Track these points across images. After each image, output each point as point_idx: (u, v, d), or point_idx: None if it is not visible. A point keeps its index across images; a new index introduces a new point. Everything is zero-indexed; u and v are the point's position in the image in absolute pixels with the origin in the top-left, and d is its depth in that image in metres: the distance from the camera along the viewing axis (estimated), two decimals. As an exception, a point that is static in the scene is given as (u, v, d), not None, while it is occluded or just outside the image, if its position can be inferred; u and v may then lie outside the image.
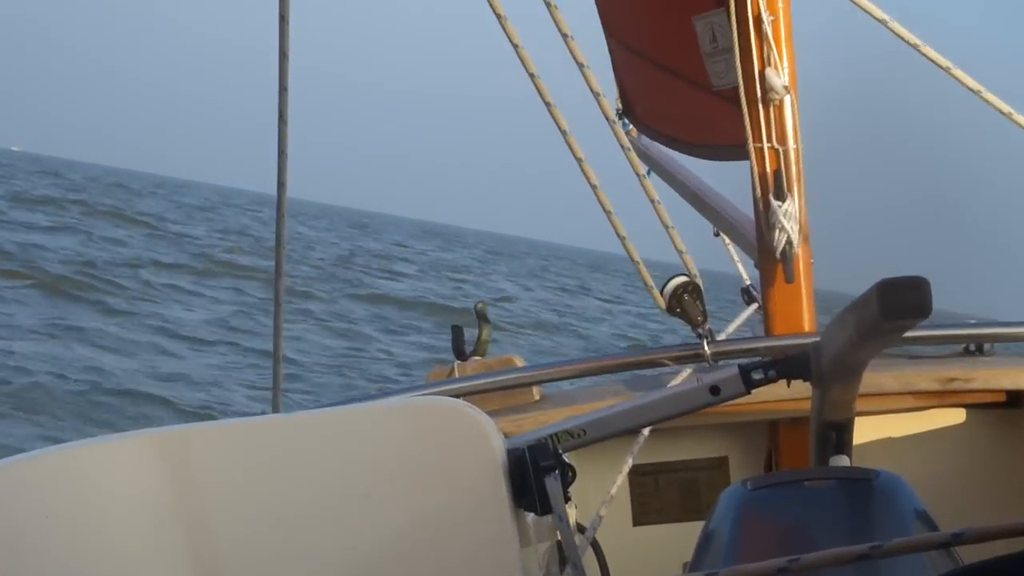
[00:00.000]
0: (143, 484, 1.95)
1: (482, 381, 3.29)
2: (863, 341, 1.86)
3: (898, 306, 1.71)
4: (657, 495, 3.48)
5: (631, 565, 3.21)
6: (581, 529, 2.81)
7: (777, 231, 3.18)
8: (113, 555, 1.89)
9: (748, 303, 4.24)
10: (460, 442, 2.04)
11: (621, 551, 3.16)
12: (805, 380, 2.24)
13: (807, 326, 3.28)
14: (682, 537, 3.37)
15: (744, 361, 2.41)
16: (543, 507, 2.00)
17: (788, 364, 2.24)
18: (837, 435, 2.23)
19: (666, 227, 3.26)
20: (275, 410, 3.01)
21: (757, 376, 2.29)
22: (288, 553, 1.99)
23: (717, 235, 4.36)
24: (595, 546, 2.88)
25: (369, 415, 2.11)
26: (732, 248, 4.41)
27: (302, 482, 2.03)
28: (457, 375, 3.56)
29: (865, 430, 3.08)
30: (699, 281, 3.12)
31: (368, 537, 2.01)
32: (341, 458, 2.05)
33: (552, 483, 2.00)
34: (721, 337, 3.27)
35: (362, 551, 2.00)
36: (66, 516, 1.87)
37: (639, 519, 3.48)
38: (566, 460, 2.07)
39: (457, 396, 3.22)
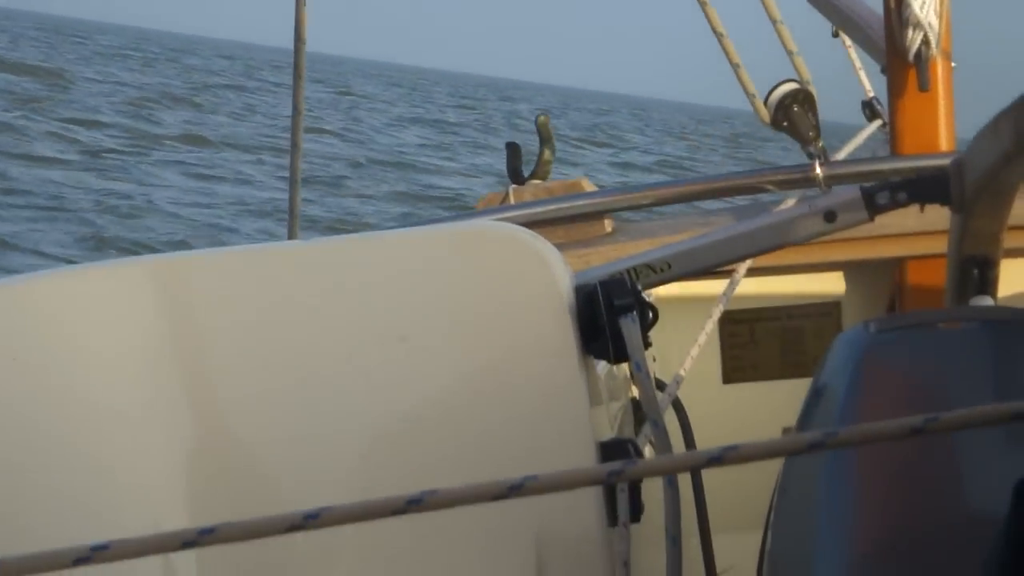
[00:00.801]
0: (139, 314, 1.96)
1: (543, 208, 3.25)
2: (1020, 153, 1.80)
3: None
4: (753, 347, 3.45)
5: (720, 429, 3.19)
6: (661, 386, 2.79)
7: (911, 28, 3.09)
8: (105, 386, 1.91)
9: (871, 119, 4.16)
10: (517, 275, 2.01)
11: (708, 412, 3.15)
12: (943, 204, 2.18)
13: (944, 145, 3.20)
14: (782, 398, 3.34)
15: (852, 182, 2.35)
16: (617, 354, 1.98)
17: (922, 184, 2.18)
18: (980, 272, 2.18)
19: (774, 22, 3.18)
20: (292, 239, 2.99)
21: (883, 199, 2.24)
22: (304, 408, 1.99)
23: (836, 35, 4.26)
24: (677, 406, 2.87)
25: (405, 242, 2.08)
26: (853, 50, 4.30)
27: (325, 321, 2.01)
28: (513, 201, 3.52)
29: (1015, 273, 3.02)
30: (812, 89, 3.04)
31: (404, 389, 2.00)
32: (372, 294, 2.03)
33: (629, 325, 1.97)
34: (838, 158, 3.20)
35: (396, 406, 1.99)
36: (57, 341, 1.89)
37: (730, 375, 3.46)
38: (646, 299, 2.04)
39: None
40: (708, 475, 2.83)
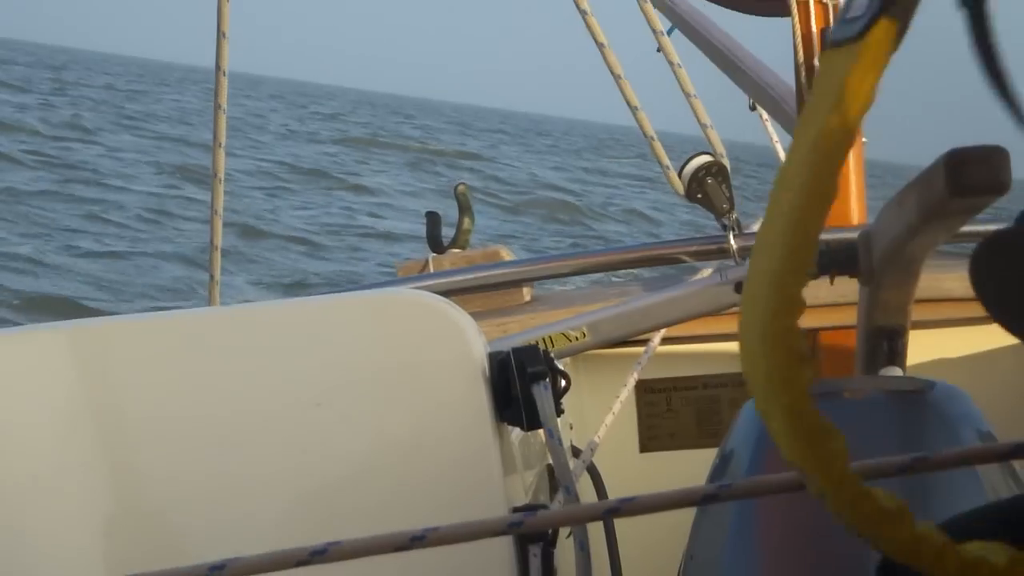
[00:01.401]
0: (55, 380, 1.97)
1: (462, 277, 3.28)
2: (925, 225, 1.85)
3: (969, 181, 1.70)
4: (669, 417, 3.49)
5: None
6: (577, 453, 2.82)
7: (822, 102, 3.16)
8: (19, 453, 1.92)
9: None
10: (432, 342, 2.04)
11: (625, 480, 3.17)
12: (851, 275, 2.23)
13: (856, 219, 3.27)
14: (698, 466, 3.37)
15: None
16: (530, 421, 2.01)
17: (831, 256, 2.23)
18: (889, 344, 2.22)
19: (687, 95, 3.24)
20: (212, 304, 3.01)
21: None
22: (220, 472, 2.00)
23: (753, 108, 4.33)
24: (594, 474, 2.90)
25: (322, 309, 2.10)
26: (770, 124, 4.38)
27: (240, 387, 2.03)
28: (432, 270, 3.55)
29: (922, 343, 3.09)
30: (725, 161, 3.10)
31: (318, 455, 2.02)
32: (289, 360, 2.05)
33: (541, 393, 2.00)
34: (752, 229, 3.26)
35: (310, 472, 2.01)
36: None
37: (647, 444, 3.50)
38: (559, 367, 2.07)
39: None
40: (626, 542, 2.87)
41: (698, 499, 1.04)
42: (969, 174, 1.70)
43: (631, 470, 3.44)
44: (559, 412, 2.03)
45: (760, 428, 1.84)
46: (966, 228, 3.14)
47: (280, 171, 25.30)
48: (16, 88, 39.49)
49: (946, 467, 1.03)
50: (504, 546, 2.00)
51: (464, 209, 3.86)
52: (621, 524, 2.84)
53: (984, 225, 2.88)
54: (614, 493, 2.95)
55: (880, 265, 2.12)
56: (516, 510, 2.00)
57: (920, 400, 1.89)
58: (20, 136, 25.10)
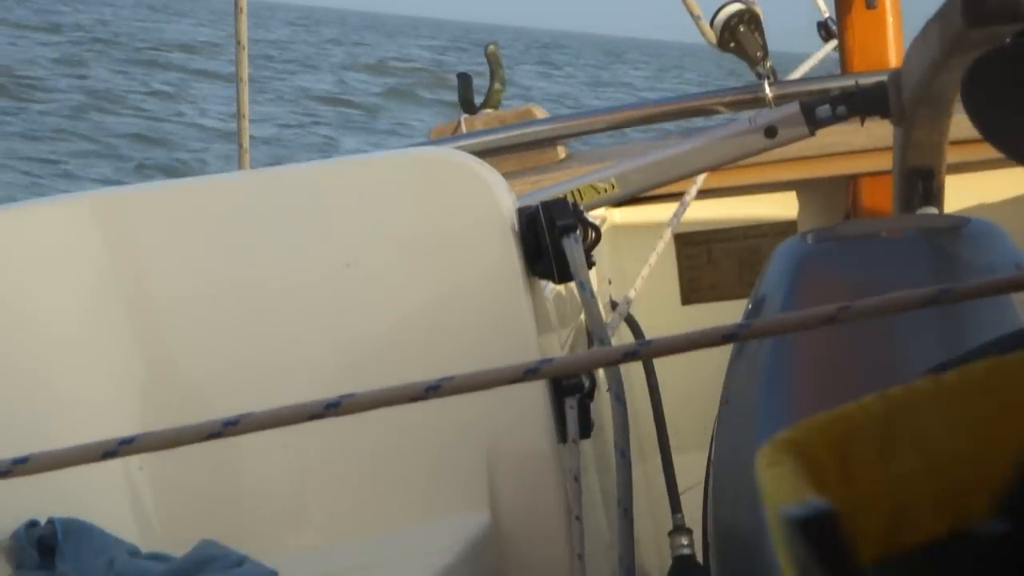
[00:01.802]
0: (83, 248, 1.98)
1: (495, 136, 3.26)
2: (948, 60, 1.82)
3: (985, 10, 1.66)
4: (710, 268, 3.46)
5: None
6: (615, 306, 2.81)
7: (857, -59, 3.10)
8: (51, 318, 1.93)
9: (826, 40, 4.17)
10: (461, 200, 2.03)
11: (668, 334, 3.15)
12: (883, 116, 2.20)
13: (893, 62, 3.22)
14: (740, 317, 3.36)
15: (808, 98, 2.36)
16: (561, 274, 2.00)
17: (862, 98, 2.20)
18: (924, 183, 2.19)
19: None
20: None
21: (823, 114, 2.26)
22: (250, 333, 2.01)
23: None
24: (634, 327, 2.89)
25: (351, 169, 2.09)
26: None
27: (270, 248, 2.03)
28: (465, 131, 3.52)
29: (963, 185, 3.04)
30: (758, 9, 3.05)
31: (349, 314, 2.02)
32: (317, 221, 2.04)
33: (571, 245, 1.99)
34: (788, 77, 3.21)
35: (340, 332, 2.01)
36: (2, 275, 1.90)
37: (689, 296, 3.48)
38: (589, 220, 2.06)
39: None
40: (670, 396, 2.86)
41: (718, 339, 1.02)
42: (984, 2, 1.66)
43: (673, 323, 3.43)
44: (590, 264, 2.02)
45: (792, 271, 1.82)
46: None
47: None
48: None
49: (972, 297, 1.01)
50: (541, 400, 2.00)
51: (495, 69, 3.81)
52: (662, 376, 2.84)
53: None
54: None
55: (910, 104, 2.09)
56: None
57: (955, 236, 1.86)
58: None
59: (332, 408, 0.97)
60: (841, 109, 2.24)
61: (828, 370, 1.66)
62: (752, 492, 1.60)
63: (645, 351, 1.00)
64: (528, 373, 1.00)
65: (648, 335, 2.92)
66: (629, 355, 1.00)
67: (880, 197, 3.18)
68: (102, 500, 1.90)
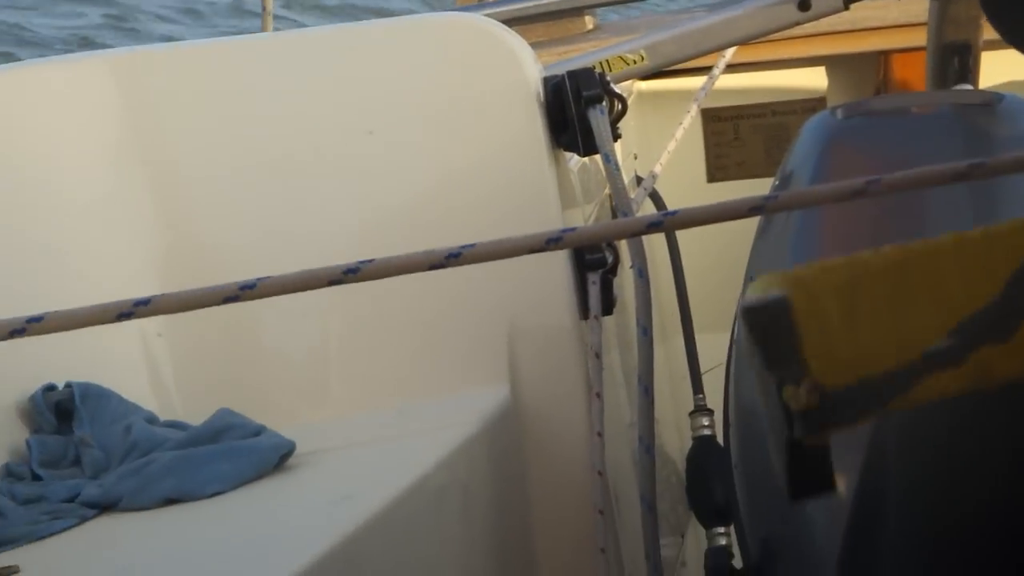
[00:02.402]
0: (102, 107, 1.96)
1: (522, 5, 3.22)
2: None
3: None
4: (737, 144, 3.44)
5: (705, 228, 3.18)
6: (640, 182, 2.79)
7: None
8: (70, 177, 1.93)
9: None
10: (485, 67, 2.01)
11: None
12: None
13: None
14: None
15: None
16: (586, 146, 1.98)
17: None
18: (960, 59, 2.16)
19: None
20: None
21: None
22: (271, 199, 2.00)
23: None
24: (659, 204, 2.87)
25: (371, 33, 2.07)
26: None
27: (292, 113, 2.02)
28: None
29: (999, 63, 3.01)
30: None
31: (371, 180, 2.01)
32: (339, 86, 2.02)
33: (597, 116, 1.96)
34: None
35: (361, 199, 2.00)
36: (20, 132, 1.92)
37: (715, 174, 3.46)
38: (616, 91, 2.03)
39: None
40: (694, 275, 2.85)
41: (744, 211, 1.01)
42: None
43: (699, 200, 3.40)
44: (616, 136, 2.00)
45: (821, 146, 1.80)
46: None
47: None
48: None
49: (1003, 173, 0.99)
50: (564, 275, 1.99)
51: (524, -65, 3.76)
52: (686, 254, 2.82)
53: None
54: None
55: None
56: None
57: (989, 112, 1.83)
58: None
59: (351, 274, 0.96)
60: None
61: (856, 246, 1.64)
62: None
63: (668, 222, 0.99)
64: (551, 242, 0.99)
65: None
66: (653, 226, 0.99)
67: (913, 74, 3.14)
68: (120, 366, 1.91)
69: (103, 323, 0.90)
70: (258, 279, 0.95)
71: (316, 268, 0.97)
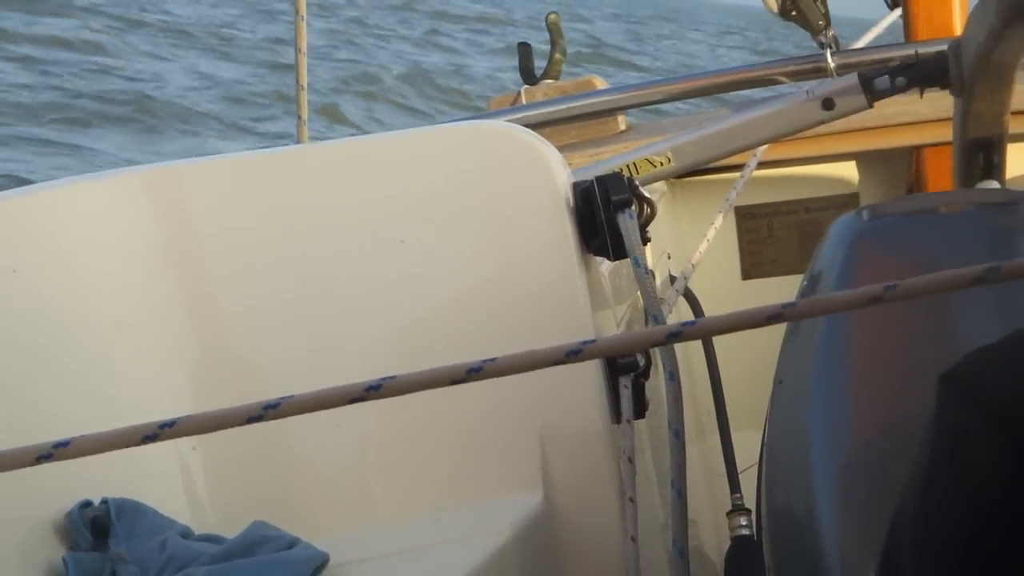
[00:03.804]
0: (136, 225, 1.99)
1: (555, 108, 3.26)
2: (1008, 29, 1.80)
3: None
4: (771, 242, 3.45)
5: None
6: (674, 281, 2.81)
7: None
8: (104, 297, 1.95)
9: (892, 7, 4.15)
10: (514, 175, 2.03)
11: (728, 309, 3.14)
12: (943, 87, 2.18)
13: (960, 31, 3.20)
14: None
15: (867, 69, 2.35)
16: (616, 250, 2.00)
17: (920, 69, 2.19)
18: (985, 156, 2.18)
19: None
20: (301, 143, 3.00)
21: (881, 85, 2.25)
22: (304, 311, 2.02)
23: None
24: (693, 303, 2.89)
25: (405, 143, 2.09)
26: None
27: (323, 224, 2.04)
28: (525, 102, 3.53)
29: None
30: None
31: (402, 290, 2.03)
32: (371, 196, 2.05)
33: (626, 221, 1.98)
34: (856, 46, 3.20)
35: (395, 309, 2.02)
36: (56, 253, 1.93)
37: (749, 271, 3.47)
38: (645, 194, 2.05)
39: (525, 126, 3.19)
40: (730, 374, 2.86)
41: (762, 320, 1.02)
42: None
43: (734, 298, 3.43)
44: (645, 240, 2.02)
45: (848, 246, 1.82)
46: None
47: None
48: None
49: (1020, 276, 1.00)
50: (595, 380, 2.00)
51: (556, 39, 3.81)
52: (722, 353, 2.82)
53: None
54: None
55: (970, 75, 2.07)
56: None
57: (1011, 211, 1.85)
58: None
59: (373, 391, 0.98)
60: (900, 80, 2.24)
61: (883, 347, 1.65)
62: (805, 472, 1.59)
63: (688, 332, 1.01)
64: (570, 355, 1.00)
65: (708, 310, 2.91)
66: (672, 336, 1.00)
67: (944, 168, 3.16)
68: (155, 481, 1.92)
69: (129, 446, 0.92)
70: (281, 399, 0.97)
71: (339, 385, 0.98)
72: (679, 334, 1.02)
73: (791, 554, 1.60)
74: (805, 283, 1.92)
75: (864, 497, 1.53)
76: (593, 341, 1.01)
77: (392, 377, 0.99)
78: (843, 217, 1.93)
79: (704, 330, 1.00)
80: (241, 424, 0.97)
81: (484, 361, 0.99)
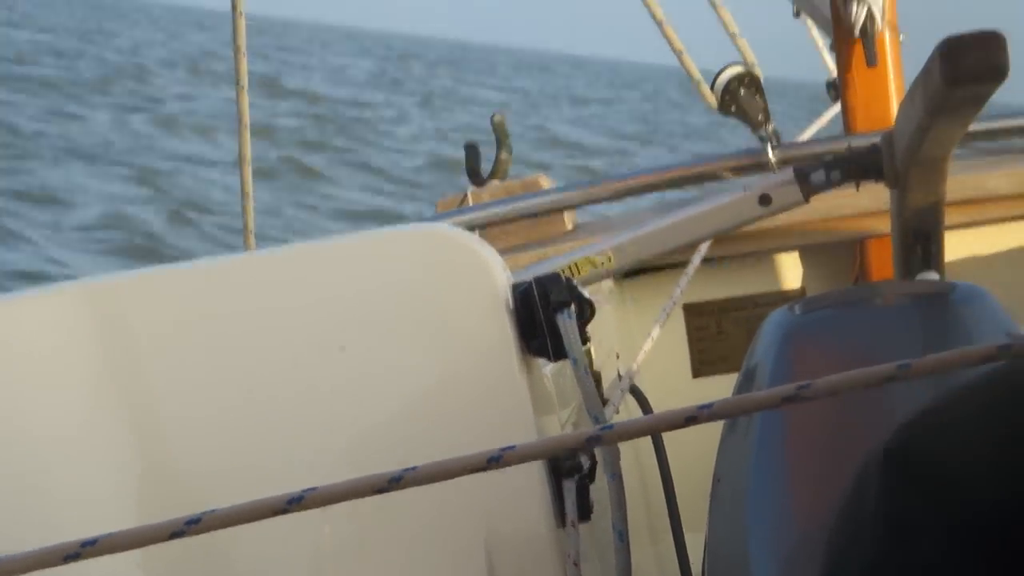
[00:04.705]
0: (75, 339, 2.00)
1: (501, 208, 3.29)
2: (934, 121, 1.84)
3: (963, 70, 1.68)
4: (720, 339, 3.48)
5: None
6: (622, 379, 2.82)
7: (855, 2, 3.14)
8: (44, 414, 1.95)
9: (835, 100, 4.21)
10: (455, 277, 2.06)
11: (678, 407, 3.15)
12: (877, 180, 2.22)
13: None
14: None
15: (802, 165, 2.39)
16: (556, 351, 2.02)
17: (856, 161, 2.23)
18: (923, 246, 2.22)
19: (714, 5, 3.23)
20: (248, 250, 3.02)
21: (817, 179, 2.29)
22: (245, 422, 2.03)
23: (797, 14, 4.31)
24: (642, 401, 2.91)
25: (344, 249, 2.12)
26: (815, 30, 4.35)
27: (264, 333, 2.06)
28: (471, 203, 3.56)
29: (968, 243, 3.06)
30: (758, 71, 3.09)
31: (344, 398, 2.04)
32: (309, 303, 2.07)
33: (565, 321, 2.01)
34: (802, 139, 3.25)
35: (338, 417, 2.03)
36: None
37: (699, 369, 3.50)
38: (584, 294, 2.08)
39: (472, 227, 3.21)
40: (684, 476, 2.87)
41: (680, 422, 1.05)
42: (963, 62, 1.69)
43: (684, 396, 3.44)
44: (584, 340, 2.04)
45: (780, 342, 1.85)
46: (1004, 123, 3.10)
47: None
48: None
49: (927, 373, 1.03)
50: (538, 482, 2.02)
51: (502, 139, 3.85)
52: (675, 456, 2.83)
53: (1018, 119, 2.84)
54: None
55: (903, 167, 2.11)
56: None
57: (942, 302, 1.88)
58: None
59: (295, 503, 1.00)
60: (835, 174, 2.28)
61: (819, 437, 1.67)
62: (745, 571, 1.61)
63: (606, 436, 1.03)
64: (491, 461, 1.02)
65: (657, 408, 2.92)
66: (592, 440, 1.03)
67: (887, 259, 3.20)
68: None
69: (49, 566, 0.93)
70: (203, 513, 0.99)
71: (262, 498, 1.00)
72: (599, 438, 1.04)
73: None
74: (741, 379, 1.95)
75: None
76: (513, 447, 1.03)
77: (313, 489, 1.00)
78: (776, 311, 1.96)
79: (621, 434, 1.02)
80: (165, 539, 0.98)
81: (405, 470, 1.01)
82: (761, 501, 1.65)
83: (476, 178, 3.76)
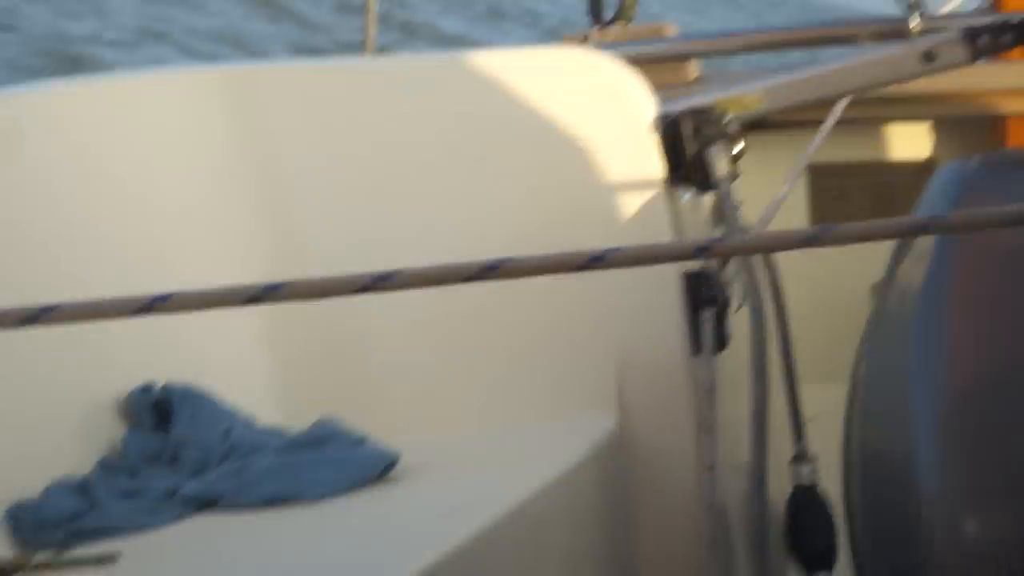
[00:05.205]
0: (211, 120, 2.05)
1: (625, 50, 3.28)
2: None
3: None
4: (841, 202, 3.43)
5: (807, 283, 3.18)
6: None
7: None
8: (175, 186, 2.01)
9: None
10: (602, 101, 2.06)
11: (796, 267, 3.14)
12: None
13: None
14: (870, 254, 3.32)
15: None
16: (702, 183, 2.03)
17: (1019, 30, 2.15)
18: None
19: None
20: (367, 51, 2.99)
21: (984, 41, 2.22)
22: (376, 220, 2.04)
23: None
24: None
25: (484, 62, 2.11)
26: None
27: (397, 139, 2.08)
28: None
29: None
30: None
31: (476, 209, 2.06)
32: (448, 112, 2.09)
33: (715, 155, 2.01)
34: (938, 12, 3.20)
35: (471, 226, 2.06)
36: (130, 139, 1.99)
37: None
38: (737, 131, 2.09)
39: None
40: (797, 325, 2.88)
41: (800, 241, 1.03)
42: None
43: (800, 256, 3.42)
44: (734, 176, 2.04)
45: (953, 194, 1.72)
46: None
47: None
48: None
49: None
50: (676, 310, 2.04)
51: (629, -25, 3.78)
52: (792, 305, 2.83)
53: None
54: (785, 279, 2.93)
55: None
56: (687, 275, 2.02)
57: None
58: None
59: (491, 271, 0.95)
60: (1006, 37, 2.21)
61: (984, 305, 1.64)
62: (903, 418, 1.57)
63: (716, 247, 1.05)
64: (594, 260, 0.95)
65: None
66: (700, 250, 1.01)
67: None
68: (220, 369, 1.96)
69: (232, 306, 0.95)
70: (393, 271, 0.95)
71: (454, 263, 0.97)
72: (707, 248, 1.06)
73: (883, 504, 1.60)
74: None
75: (966, 443, 1.54)
76: (617, 249, 0.99)
77: (509, 259, 0.96)
78: (949, 165, 1.89)
79: (734, 248, 1.05)
80: (351, 293, 0.96)
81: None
82: (924, 359, 1.63)
83: (599, 18, 3.70)
